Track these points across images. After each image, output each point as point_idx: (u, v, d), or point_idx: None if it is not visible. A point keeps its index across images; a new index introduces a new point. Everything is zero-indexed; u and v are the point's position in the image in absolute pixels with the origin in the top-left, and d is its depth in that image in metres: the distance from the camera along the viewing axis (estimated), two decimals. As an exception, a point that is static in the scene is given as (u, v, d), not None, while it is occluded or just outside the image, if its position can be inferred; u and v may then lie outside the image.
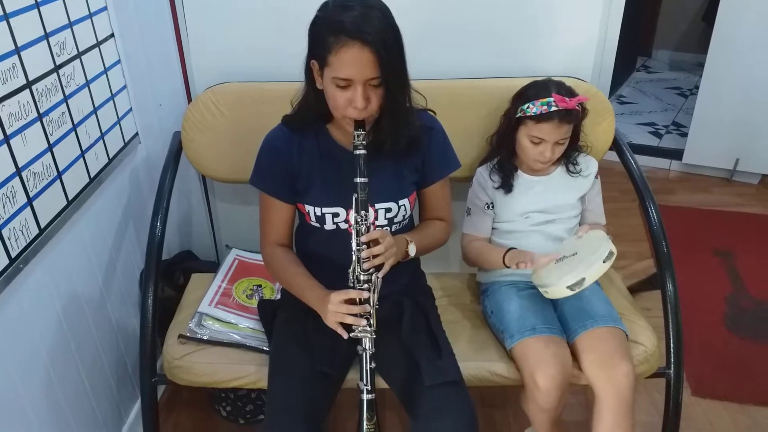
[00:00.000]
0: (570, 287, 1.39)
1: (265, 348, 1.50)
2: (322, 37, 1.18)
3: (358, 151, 1.25)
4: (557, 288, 1.41)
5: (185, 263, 1.96)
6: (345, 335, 1.25)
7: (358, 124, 1.26)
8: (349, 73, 1.18)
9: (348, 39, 1.15)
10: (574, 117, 1.52)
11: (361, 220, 1.26)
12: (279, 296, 1.65)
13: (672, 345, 1.53)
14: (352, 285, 1.27)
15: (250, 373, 1.47)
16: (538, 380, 1.40)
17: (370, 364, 1.25)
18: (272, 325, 1.49)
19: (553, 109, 1.48)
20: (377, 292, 1.27)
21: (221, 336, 1.53)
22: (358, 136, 1.25)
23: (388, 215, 1.39)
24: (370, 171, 1.26)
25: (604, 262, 1.38)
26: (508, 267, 1.51)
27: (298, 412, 1.27)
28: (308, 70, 1.28)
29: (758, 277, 2.53)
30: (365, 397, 1.24)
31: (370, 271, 1.26)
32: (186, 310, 1.64)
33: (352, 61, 1.17)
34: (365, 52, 1.15)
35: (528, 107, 1.51)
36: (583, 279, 1.38)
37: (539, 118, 1.50)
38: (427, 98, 1.40)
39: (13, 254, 1.21)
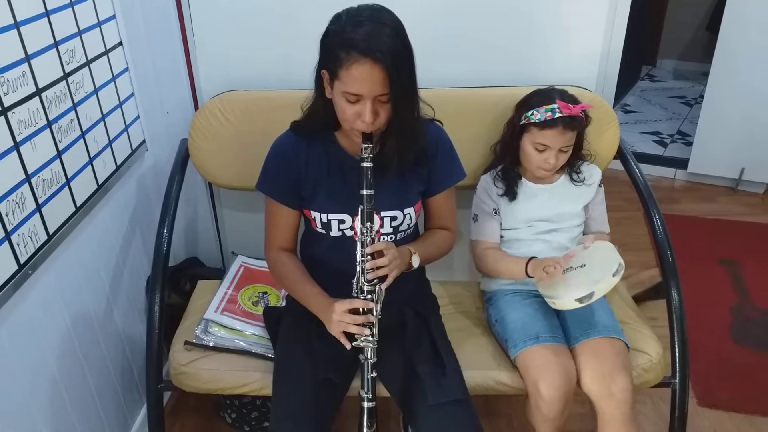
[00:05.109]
0: (579, 300, 1.39)
1: (270, 355, 1.50)
2: (334, 51, 1.18)
3: (365, 164, 1.26)
4: (565, 300, 1.42)
5: (191, 270, 1.97)
6: (348, 345, 1.26)
7: (366, 137, 1.26)
8: (358, 89, 1.19)
9: (359, 56, 1.15)
10: (577, 124, 1.53)
11: (367, 232, 1.26)
12: (284, 303, 1.66)
13: (677, 354, 1.53)
14: (355, 295, 1.28)
15: (256, 379, 1.48)
16: (541, 389, 1.40)
17: (372, 372, 1.27)
18: (277, 332, 1.50)
19: (558, 115, 1.48)
20: (380, 303, 1.27)
21: (227, 343, 1.54)
22: (365, 148, 1.25)
23: (394, 223, 1.40)
24: (376, 180, 1.27)
25: (613, 276, 1.38)
26: (530, 277, 1.50)
27: (302, 419, 1.28)
28: (318, 79, 1.29)
29: (764, 287, 2.52)
30: (366, 405, 1.27)
31: (374, 282, 1.27)
32: (192, 317, 1.64)
33: (363, 78, 1.17)
34: (376, 70, 1.15)
35: (532, 114, 1.52)
36: (593, 293, 1.38)
37: (543, 125, 1.51)
38: (433, 106, 1.40)
39: (22, 260, 1.22)
